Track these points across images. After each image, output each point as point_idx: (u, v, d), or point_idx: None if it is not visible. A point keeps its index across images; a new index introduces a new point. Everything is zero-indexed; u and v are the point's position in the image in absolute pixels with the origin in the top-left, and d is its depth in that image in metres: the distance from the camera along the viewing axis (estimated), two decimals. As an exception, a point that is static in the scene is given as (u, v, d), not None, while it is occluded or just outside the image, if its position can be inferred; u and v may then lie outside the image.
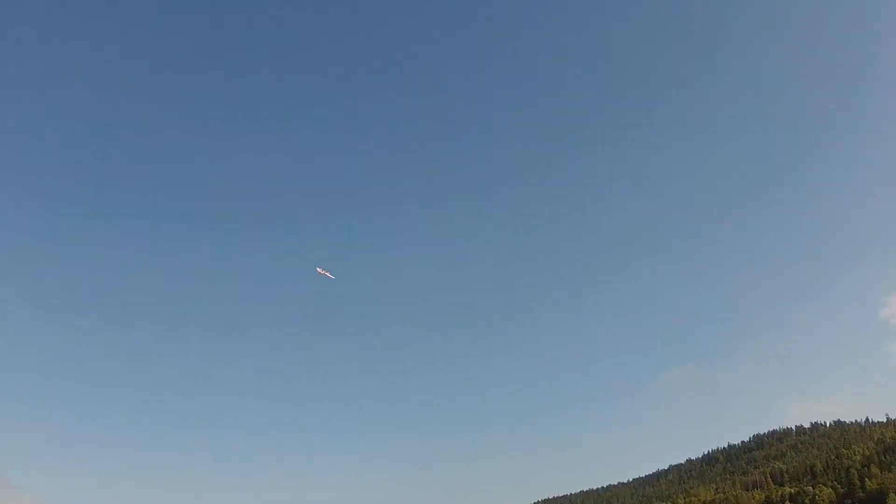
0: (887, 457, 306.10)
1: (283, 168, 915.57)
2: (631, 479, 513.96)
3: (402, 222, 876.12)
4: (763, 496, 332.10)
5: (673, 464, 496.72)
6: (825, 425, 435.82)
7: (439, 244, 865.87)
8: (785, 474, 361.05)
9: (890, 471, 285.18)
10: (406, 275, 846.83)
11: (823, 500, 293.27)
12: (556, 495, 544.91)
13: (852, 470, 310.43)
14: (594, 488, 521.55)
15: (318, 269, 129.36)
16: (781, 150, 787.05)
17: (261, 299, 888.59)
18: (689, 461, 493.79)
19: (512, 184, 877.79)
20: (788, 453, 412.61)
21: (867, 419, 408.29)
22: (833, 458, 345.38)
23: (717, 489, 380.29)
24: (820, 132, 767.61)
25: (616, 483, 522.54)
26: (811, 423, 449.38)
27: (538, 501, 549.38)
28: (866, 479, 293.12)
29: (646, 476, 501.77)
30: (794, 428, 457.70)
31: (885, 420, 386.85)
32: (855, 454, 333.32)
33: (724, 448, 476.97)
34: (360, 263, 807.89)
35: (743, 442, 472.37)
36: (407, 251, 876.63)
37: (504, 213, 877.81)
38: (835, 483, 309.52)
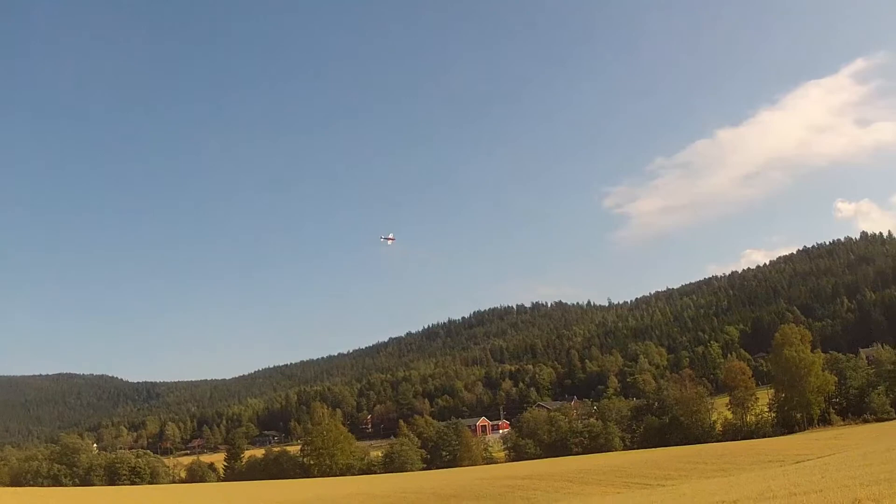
0: (608, 339, 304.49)
1: None
2: (351, 350, 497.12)
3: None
4: (483, 372, 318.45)
5: (393, 336, 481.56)
6: (546, 305, 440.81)
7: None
8: (505, 352, 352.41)
9: (610, 353, 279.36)
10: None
11: (544, 379, 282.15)
12: (276, 364, 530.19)
13: (573, 351, 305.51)
14: (314, 358, 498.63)
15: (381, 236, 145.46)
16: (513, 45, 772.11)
17: None
18: (409, 334, 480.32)
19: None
20: (509, 331, 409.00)
21: (589, 302, 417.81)
22: (554, 338, 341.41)
23: (437, 363, 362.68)
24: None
25: (336, 354, 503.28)
26: (532, 303, 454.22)
27: (259, 370, 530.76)
28: (587, 360, 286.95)
29: (366, 348, 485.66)
30: (515, 307, 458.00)
31: (606, 304, 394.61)
32: (576, 335, 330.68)
33: (445, 323, 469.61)
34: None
35: (464, 318, 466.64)
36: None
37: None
38: (555, 363, 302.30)
